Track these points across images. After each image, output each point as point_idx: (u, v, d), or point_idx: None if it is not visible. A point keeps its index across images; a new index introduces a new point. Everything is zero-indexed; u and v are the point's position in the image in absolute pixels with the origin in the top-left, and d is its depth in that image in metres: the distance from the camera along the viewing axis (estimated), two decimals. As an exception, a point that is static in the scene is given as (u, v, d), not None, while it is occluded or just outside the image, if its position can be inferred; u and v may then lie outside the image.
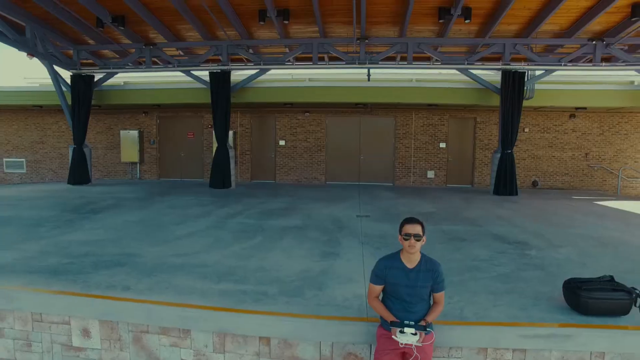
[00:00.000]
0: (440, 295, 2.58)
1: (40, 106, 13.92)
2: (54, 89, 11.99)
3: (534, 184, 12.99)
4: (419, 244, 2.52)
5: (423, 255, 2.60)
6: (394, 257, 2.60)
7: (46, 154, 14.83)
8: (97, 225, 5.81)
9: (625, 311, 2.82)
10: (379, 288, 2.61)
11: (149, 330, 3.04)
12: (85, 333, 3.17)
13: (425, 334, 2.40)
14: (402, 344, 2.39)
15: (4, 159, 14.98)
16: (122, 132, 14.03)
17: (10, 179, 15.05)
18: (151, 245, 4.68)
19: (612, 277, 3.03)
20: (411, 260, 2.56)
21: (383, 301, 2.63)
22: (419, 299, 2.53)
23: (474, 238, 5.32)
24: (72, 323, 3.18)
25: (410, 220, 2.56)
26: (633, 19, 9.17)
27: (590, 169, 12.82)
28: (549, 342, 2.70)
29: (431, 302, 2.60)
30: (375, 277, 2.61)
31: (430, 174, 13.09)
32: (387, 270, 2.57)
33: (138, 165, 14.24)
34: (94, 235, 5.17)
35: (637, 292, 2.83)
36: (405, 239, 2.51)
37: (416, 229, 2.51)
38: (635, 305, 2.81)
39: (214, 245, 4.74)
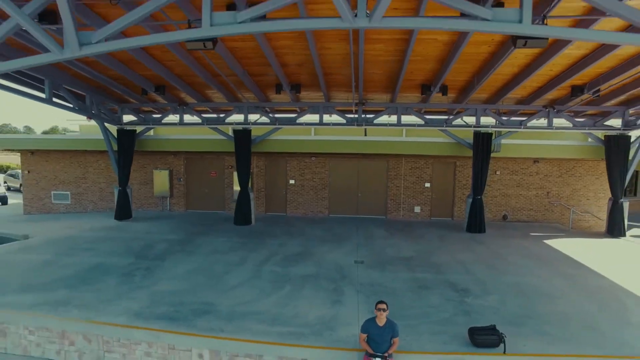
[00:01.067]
0: (396, 339, 5.02)
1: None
2: (95, 137, 14.68)
3: (504, 217, 15.47)
4: (385, 314, 4.96)
5: (388, 319, 5.04)
6: (372, 320, 5.04)
7: (88, 188, 17.27)
8: (170, 275, 8.26)
9: (496, 345, 5.28)
10: (364, 335, 5.05)
11: (238, 355, 5.48)
12: (200, 357, 5.61)
13: (389, 358, 4.83)
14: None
15: (52, 192, 17.42)
16: (154, 170, 16.50)
17: (57, 209, 17.48)
18: (218, 296, 7.12)
19: (494, 326, 5.49)
20: (381, 321, 5.00)
21: (367, 342, 5.06)
22: (384, 341, 4.97)
23: (435, 286, 7.78)
24: (193, 350, 5.62)
25: (380, 302, 5.02)
26: (572, 97, 11.67)
27: (551, 205, 15.30)
28: (455, 363, 5.15)
29: (391, 342, 5.03)
30: (363, 330, 5.05)
31: (417, 209, 15.56)
32: (369, 327, 5.01)
33: (168, 198, 16.69)
34: (175, 285, 7.61)
35: (503, 335, 5.29)
36: (378, 311, 4.96)
37: (383, 306, 4.97)
38: (502, 342, 5.27)
39: (260, 295, 7.19)
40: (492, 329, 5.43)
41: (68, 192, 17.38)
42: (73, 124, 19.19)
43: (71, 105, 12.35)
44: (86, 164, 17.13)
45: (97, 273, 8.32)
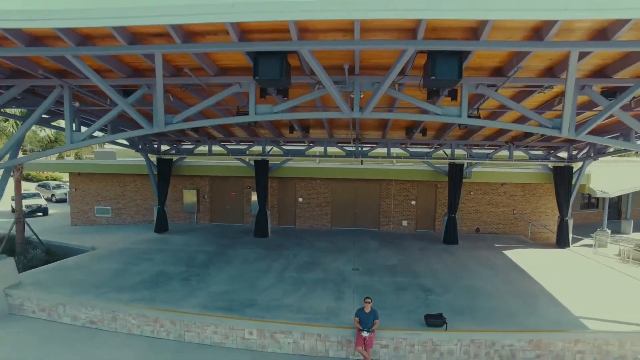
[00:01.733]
0: (377, 321, 8.09)
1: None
2: (134, 164, 17.70)
3: (477, 230, 18.54)
4: (369, 305, 8.05)
5: (372, 308, 8.12)
6: (362, 309, 8.11)
7: (126, 204, 20.31)
8: (217, 280, 11.32)
9: (441, 325, 8.37)
10: (357, 318, 8.12)
11: (276, 332, 8.54)
12: (251, 333, 8.67)
13: (372, 332, 7.91)
14: (364, 336, 7.89)
15: (95, 207, 20.47)
16: (184, 190, 19.56)
17: (100, 222, 20.53)
18: (256, 295, 10.19)
19: (441, 314, 8.57)
20: (367, 309, 8.07)
21: (359, 322, 8.13)
22: (369, 322, 8.04)
23: (410, 288, 10.84)
24: (246, 330, 8.69)
25: (367, 297, 8.10)
26: (526, 137, 14.70)
27: (516, 219, 18.37)
28: (413, 335, 8.22)
29: (374, 323, 8.09)
30: (356, 315, 8.13)
31: (405, 223, 18.63)
32: (359, 313, 8.09)
33: (196, 213, 19.74)
34: (223, 288, 10.67)
35: (446, 319, 8.37)
36: (365, 303, 8.05)
37: (368, 300, 8.06)
38: (445, 324, 8.35)
39: (285, 294, 10.25)
40: (440, 316, 8.51)
41: (109, 207, 20.44)
42: (111, 148, 22.26)
43: (126, 143, 15.41)
44: (125, 184, 20.18)
45: (163, 278, 11.38)
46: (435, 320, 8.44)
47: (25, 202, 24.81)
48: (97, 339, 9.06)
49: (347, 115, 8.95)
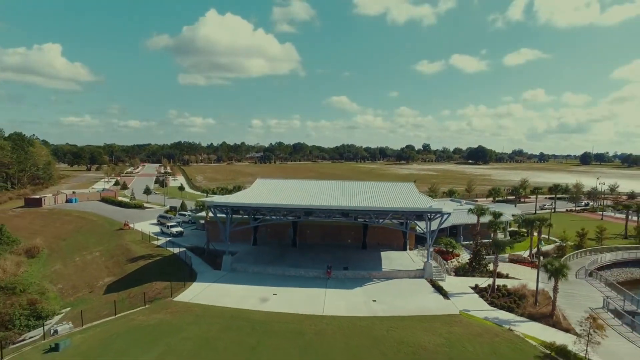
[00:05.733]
0: (332, 269, 35.98)
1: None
2: (239, 217, 45.49)
3: (378, 243, 46.68)
4: (330, 265, 35.99)
5: (331, 266, 36.01)
6: (328, 265, 36.03)
7: (234, 233, 47.79)
8: (288, 258, 39.14)
9: (347, 269, 36.46)
10: (327, 268, 35.97)
11: (309, 271, 36.43)
12: (302, 272, 36.50)
13: (330, 271, 35.86)
14: (328, 272, 35.78)
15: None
16: (259, 228, 47.27)
17: (222, 240, 47.97)
18: (301, 264, 38.05)
19: (347, 267, 36.63)
20: (330, 265, 35.95)
21: (327, 269, 35.94)
22: (330, 269, 35.87)
23: (343, 261, 38.83)
24: (299, 270, 36.54)
25: (329, 264, 36.03)
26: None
27: (396, 237, 46.53)
28: (340, 272, 36.19)
29: (331, 269, 35.89)
30: (327, 267, 36.01)
31: (349, 240, 46.77)
32: (328, 267, 35.99)
33: (266, 236, 47.43)
34: (292, 262, 38.51)
35: (348, 267, 36.45)
36: (329, 264, 35.99)
37: (330, 264, 36.05)
38: (348, 269, 36.40)
39: (310, 264, 38.14)
40: (347, 267, 36.51)
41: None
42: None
43: (246, 216, 43.04)
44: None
45: (272, 260, 39.05)
46: (346, 267, 36.43)
47: (173, 229, 52.24)
48: (261, 275, 36.68)
49: (331, 220, 37.14)
